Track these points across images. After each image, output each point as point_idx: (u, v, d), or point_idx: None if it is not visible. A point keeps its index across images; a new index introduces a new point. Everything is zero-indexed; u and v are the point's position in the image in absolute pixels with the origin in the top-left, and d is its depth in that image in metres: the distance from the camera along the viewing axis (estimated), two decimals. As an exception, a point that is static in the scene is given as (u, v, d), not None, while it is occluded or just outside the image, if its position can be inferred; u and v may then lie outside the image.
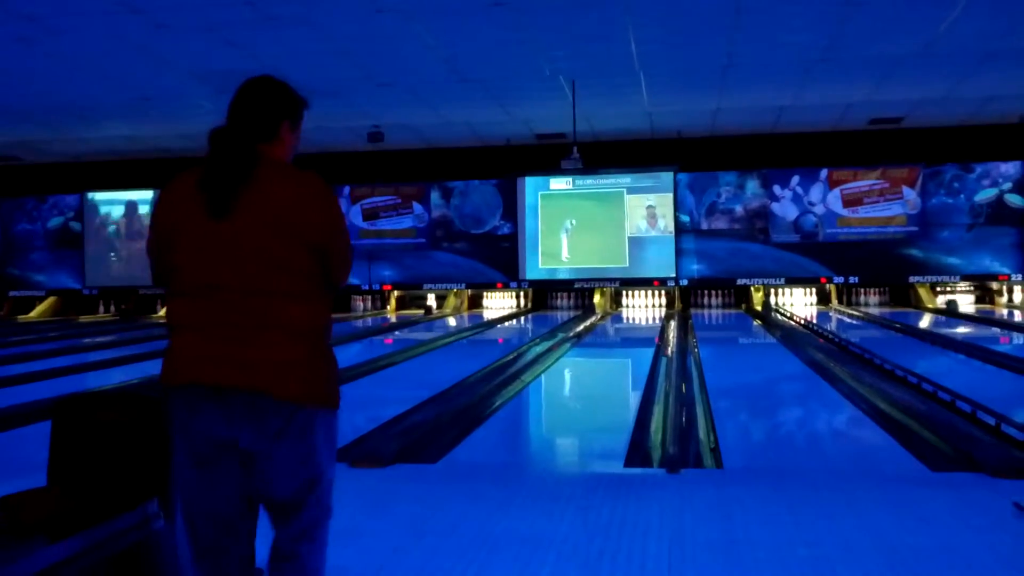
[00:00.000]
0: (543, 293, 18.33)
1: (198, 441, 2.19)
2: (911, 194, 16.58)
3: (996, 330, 12.93)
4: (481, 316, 16.87)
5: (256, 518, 2.32)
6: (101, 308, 19.92)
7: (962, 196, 16.49)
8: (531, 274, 17.69)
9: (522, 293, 18.31)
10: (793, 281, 17.20)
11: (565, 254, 17.60)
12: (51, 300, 19.74)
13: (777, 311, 16.05)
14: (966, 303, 16.86)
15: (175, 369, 2.22)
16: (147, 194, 19.22)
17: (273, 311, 2.17)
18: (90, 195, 19.43)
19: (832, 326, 13.58)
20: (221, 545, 2.25)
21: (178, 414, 2.22)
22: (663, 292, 17.81)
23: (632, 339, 13.74)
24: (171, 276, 2.25)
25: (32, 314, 19.44)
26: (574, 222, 17.57)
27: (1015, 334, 12.48)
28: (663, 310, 17.26)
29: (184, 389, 2.19)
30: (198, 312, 2.19)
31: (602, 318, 16.03)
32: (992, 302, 16.94)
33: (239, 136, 2.28)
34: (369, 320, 16.78)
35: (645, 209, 17.31)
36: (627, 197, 17.38)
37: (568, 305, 18.17)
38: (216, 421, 2.16)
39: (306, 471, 2.27)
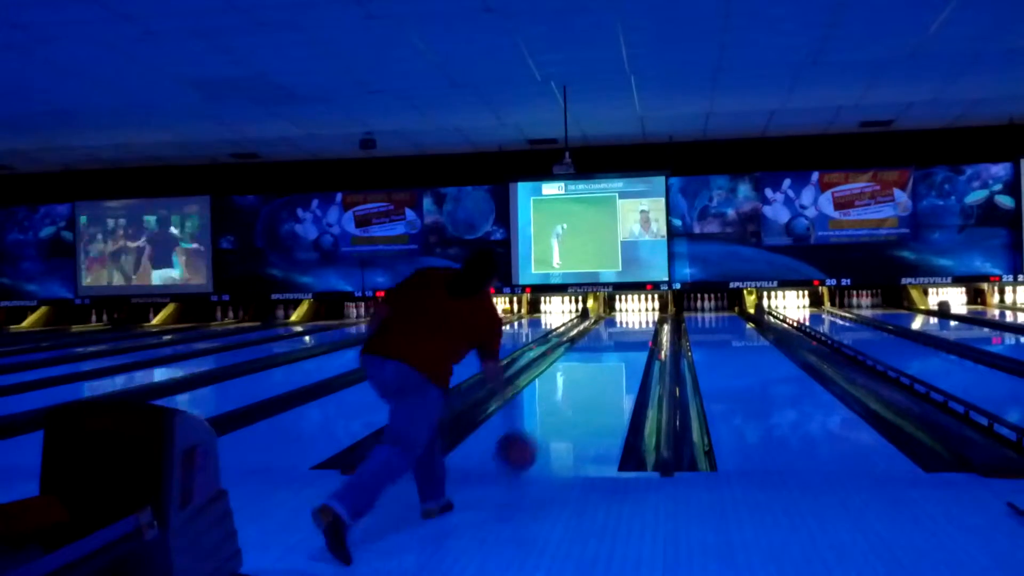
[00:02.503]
0: (537, 298, 18.35)
1: None
2: (902, 196, 16.64)
3: (988, 331, 12.97)
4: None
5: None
6: (93, 317, 19.87)
7: (953, 198, 16.56)
8: (525, 279, 17.69)
9: (523, 299, 18.31)
10: (786, 284, 17.24)
11: (556, 260, 17.62)
12: (43, 310, 19.68)
13: (770, 314, 16.09)
14: (958, 304, 16.92)
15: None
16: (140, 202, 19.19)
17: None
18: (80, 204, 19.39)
19: (825, 328, 13.61)
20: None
21: None
22: (656, 296, 17.84)
23: (626, 343, 13.75)
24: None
25: (24, 324, 19.37)
26: (565, 226, 17.60)
27: (1007, 334, 12.52)
28: (656, 314, 17.28)
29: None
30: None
31: (596, 322, 16.04)
32: (984, 303, 17.00)
33: (478, 278, 3.99)
34: (363, 327, 16.76)
35: (638, 213, 17.35)
36: (619, 201, 17.42)
37: (561, 309, 18.18)
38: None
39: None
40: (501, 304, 18.64)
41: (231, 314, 19.49)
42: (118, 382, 9.52)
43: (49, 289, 19.66)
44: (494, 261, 4.12)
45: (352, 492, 3.44)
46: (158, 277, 19.25)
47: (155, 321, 19.03)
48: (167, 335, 15.64)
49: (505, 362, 9.80)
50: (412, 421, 3.71)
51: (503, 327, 4.09)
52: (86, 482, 2.66)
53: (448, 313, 3.87)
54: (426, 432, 3.75)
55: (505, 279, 17.76)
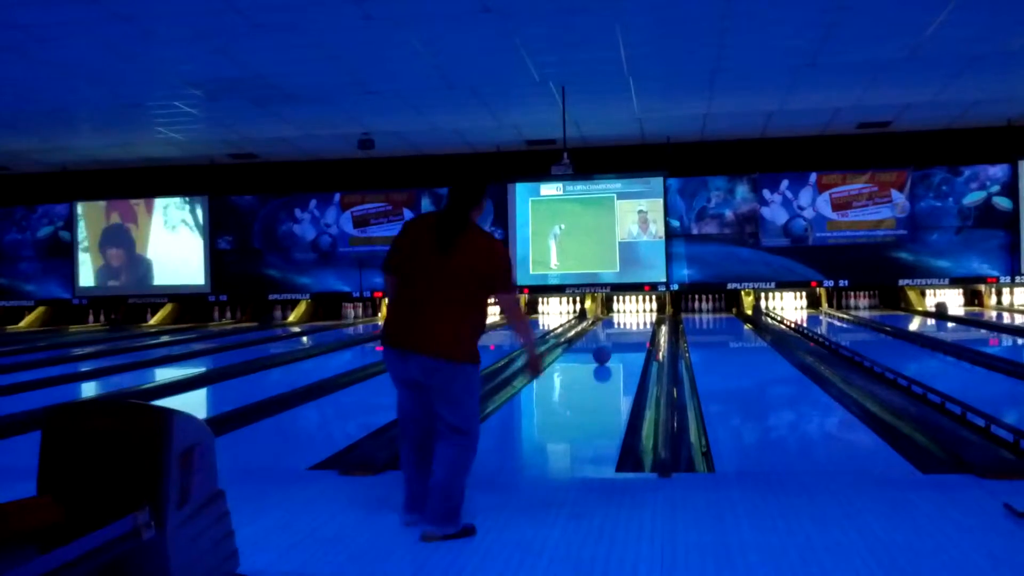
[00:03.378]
0: (535, 299, 18.34)
1: None
2: (900, 197, 16.65)
3: (985, 332, 12.99)
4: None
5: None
6: (91, 318, 19.85)
7: (951, 199, 16.57)
8: (522, 280, 17.69)
9: (521, 299, 18.24)
10: (783, 285, 17.25)
11: (554, 261, 17.61)
12: (40, 310, 19.66)
13: (768, 315, 16.10)
14: (955, 305, 16.94)
15: None
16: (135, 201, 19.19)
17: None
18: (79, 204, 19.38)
19: (822, 329, 13.61)
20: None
21: None
22: (654, 297, 17.84)
23: (623, 344, 13.74)
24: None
25: (21, 324, 19.35)
26: (563, 226, 17.60)
27: (1004, 336, 12.53)
28: (654, 315, 17.28)
29: None
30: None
31: (593, 323, 16.04)
32: (981, 304, 17.02)
33: (458, 205, 3.72)
34: (360, 327, 16.76)
35: (636, 214, 17.36)
36: (618, 202, 17.43)
37: (559, 310, 18.18)
38: None
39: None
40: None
41: (229, 314, 19.48)
42: (116, 382, 9.51)
43: (47, 289, 19.65)
44: (475, 183, 3.78)
45: (442, 505, 3.55)
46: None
47: (153, 321, 19.02)
48: (165, 335, 15.63)
49: (503, 362, 9.80)
50: (461, 407, 3.62)
51: (512, 271, 3.79)
52: (83, 482, 2.66)
53: (446, 271, 3.61)
54: (477, 408, 3.72)
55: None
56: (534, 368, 4.05)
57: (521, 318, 3.93)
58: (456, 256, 3.60)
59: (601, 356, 9.74)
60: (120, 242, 19.30)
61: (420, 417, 3.72)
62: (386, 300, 3.86)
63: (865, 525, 3.63)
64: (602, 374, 9.39)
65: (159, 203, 19.13)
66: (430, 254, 3.61)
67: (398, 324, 3.66)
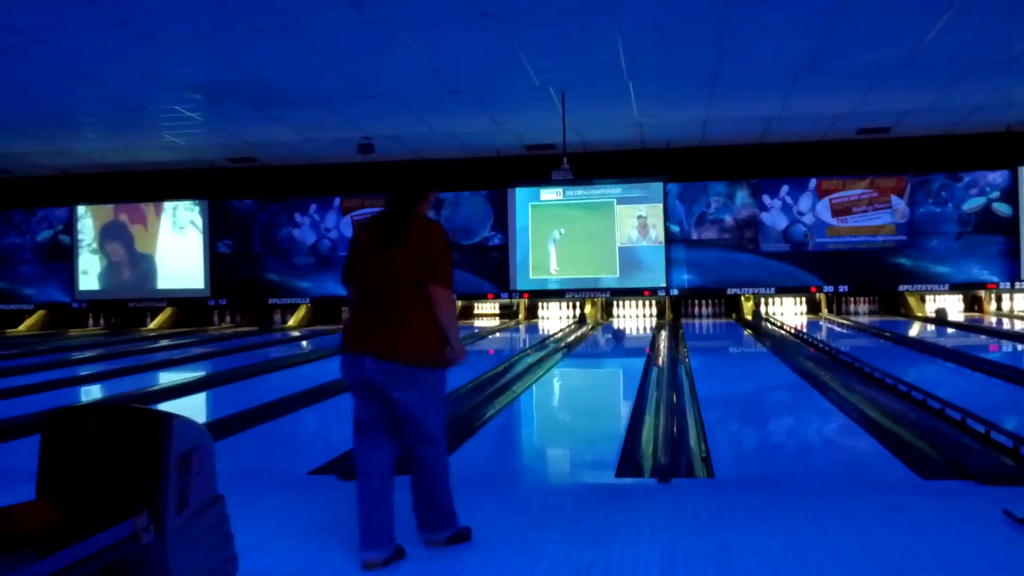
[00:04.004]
0: (535, 303, 18.36)
1: None
2: (899, 203, 16.66)
3: (985, 338, 12.98)
4: (473, 327, 16.85)
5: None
6: (91, 321, 19.85)
7: (950, 205, 16.58)
8: (522, 284, 17.70)
9: (520, 304, 18.30)
10: (783, 290, 17.25)
11: (554, 266, 17.61)
12: (40, 314, 19.65)
13: (767, 320, 16.09)
14: (955, 311, 16.94)
15: None
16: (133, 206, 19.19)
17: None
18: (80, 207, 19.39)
19: (822, 335, 13.61)
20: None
21: None
22: (654, 302, 17.84)
23: (623, 349, 13.75)
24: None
25: (21, 328, 19.35)
26: (562, 231, 17.61)
27: (1004, 342, 12.54)
28: (654, 320, 17.28)
29: None
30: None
31: (593, 328, 16.04)
32: (981, 310, 17.02)
33: (402, 199, 3.58)
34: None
35: (636, 219, 17.36)
36: (617, 207, 17.43)
37: (559, 315, 18.19)
38: None
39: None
40: (496, 307, 18.67)
41: (228, 319, 19.48)
42: (115, 386, 9.51)
43: (46, 293, 19.64)
44: (418, 181, 3.67)
45: (433, 512, 3.51)
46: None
47: (152, 325, 19.01)
48: (164, 339, 15.62)
49: (503, 367, 9.79)
50: (426, 416, 3.43)
51: (450, 264, 3.50)
52: (83, 486, 2.66)
53: (394, 267, 3.42)
54: (443, 416, 3.55)
55: (503, 284, 17.77)
56: (456, 357, 3.56)
57: (451, 319, 3.50)
58: (402, 249, 3.43)
59: (617, 335, 9.82)
60: (121, 238, 19.25)
61: (378, 428, 3.49)
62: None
63: (865, 531, 3.63)
64: (602, 379, 9.40)
65: (166, 206, 19.12)
66: (378, 252, 3.46)
67: (354, 328, 3.49)
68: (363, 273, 3.50)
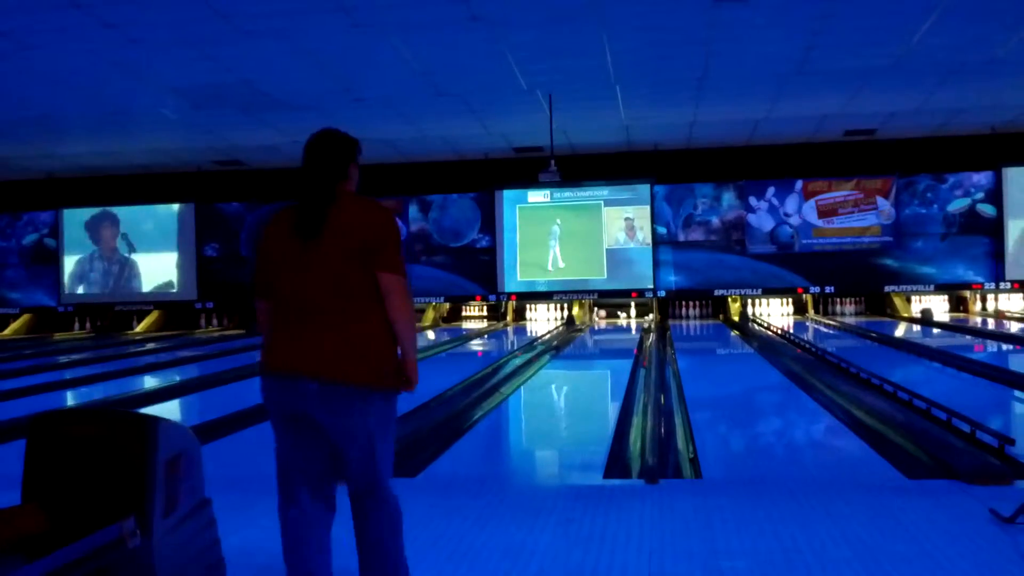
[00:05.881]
0: (523, 305, 18.37)
1: None
2: (885, 204, 16.75)
3: (970, 338, 13.06)
4: (461, 329, 16.84)
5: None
6: (76, 325, 19.74)
7: (935, 206, 16.68)
8: (510, 286, 17.70)
9: (508, 306, 18.30)
10: (770, 291, 17.31)
11: (560, 263, 17.57)
12: (25, 317, 19.53)
13: (754, 321, 16.14)
14: (941, 312, 17.03)
15: None
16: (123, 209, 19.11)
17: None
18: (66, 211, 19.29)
19: (809, 336, 13.66)
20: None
21: None
22: (641, 303, 17.87)
23: (611, 351, 13.77)
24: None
25: (6, 332, 19.23)
26: (559, 222, 17.60)
27: (989, 342, 12.61)
28: (641, 321, 17.30)
29: None
30: None
31: (580, 330, 16.06)
32: (966, 310, 17.12)
33: (321, 178, 2.87)
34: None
35: (623, 221, 17.39)
36: (605, 209, 17.47)
37: (547, 317, 18.20)
38: None
39: None
40: (484, 309, 18.67)
41: (215, 321, 19.40)
42: (101, 390, 9.46)
43: (32, 297, 19.52)
44: (334, 150, 3.01)
45: None
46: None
47: (139, 329, 18.92)
48: (151, 343, 15.56)
49: (490, 369, 9.79)
50: (370, 451, 2.75)
51: (399, 244, 2.91)
52: (69, 490, 2.65)
53: (317, 262, 2.73)
54: (391, 453, 2.85)
55: (491, 286, 17.77)
56: (408, 381, 2.83)
57: (408, 316, 2.81)
58: (327, 238, 2.73)
59: None
60: (106, 241, 19.15)
61: (311, 480, 2.84)
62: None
63: (851, 531, 3.65)
64: (589, 381, 9.40)
65: (152, 209, 19.04)
66: (297, 249, 2.77)
67: (276, 346, 2.81)
68: (281, 280, 2.80)
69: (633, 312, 18.01)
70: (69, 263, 19.29)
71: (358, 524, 2.83)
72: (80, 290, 19.29)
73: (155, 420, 2.68)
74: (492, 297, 17.84)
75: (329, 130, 3.08)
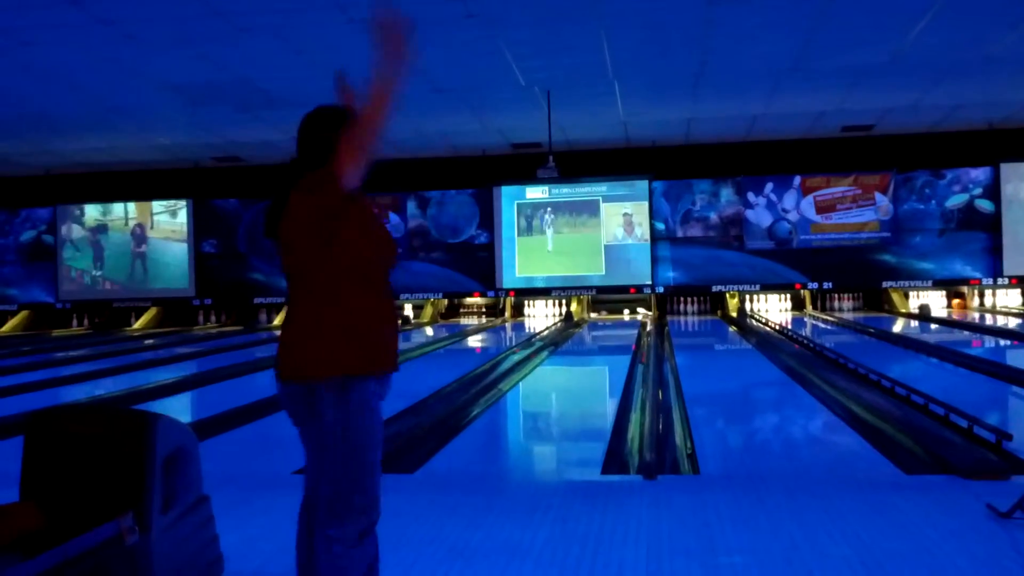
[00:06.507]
0: (521, 301, 18.37)
1: None
2: (883, 200, 16.75)
3: (968, 334, 13.07)
4: (459, 325, 16.84)
5: None
6: (74, 322, 19.73)
7: (933, 202, 16.69)
8: (508, 283, 17.70)
9: (507, 302, 18.30)
10: (768, 287, 17.32)
11: (549, 245, 17.59)
12: (23, 314, 19.52)
13: (752, 317, 16.15)
14: (938, 307, 17.05)
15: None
16: (120, 206, 19.09)
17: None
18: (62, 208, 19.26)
19: (807, 331, 13.67)
20: None
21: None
22: (640, 299, 17.87)
23: (609, 347, 13.77)
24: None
25: (4, 329, 19.21)
26: (549, 209, 17.59)
27: (987, 337, 12.63)
28: (639, 317, 17.30)
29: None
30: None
31: (578, 326, 16.06)
32: (964, 306, 17.13)
33: (297, 167, 2.67)
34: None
35: (621, 217, 17.39)
36: (603, 205, 17.46)
37: (545, 313, 18.20)
38: None
39: None
40: (483, 304, 18.67)
41: (213, 318, 19.40)
42: (99, 387, 9.46)
43: (30, 293, 19.51)
44: (314, 131, 2.72)
45: None
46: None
47: (137, 325, 18.91)
48: (149, 339, 15.55)
49: (489, 366, 9.79)
50: (337, 461, 2.39)
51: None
52: (67, 487, 2.65)
53: (284, 251, 2.55)
54: (369, 467, 2.43)
55: (489, 282, 17.77)
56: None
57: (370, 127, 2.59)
58: (284, 221, 2.54)
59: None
60: (104, 238, 19.14)
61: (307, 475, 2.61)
62: None
63: (849, 527, 3.65)
64: (587, 377, 9.41)
65: (150, 205, 19.02)
66: (273, 239, 2.62)
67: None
68: (287, 277, 2.61)
69: (640, 309, 17.97)
70: (66, 261, 19.26)
71: (314, 547, 2.43)
72: (77, 286, 19.27)
73: (153, 417, 2.68)
74: (491, 293, 17.84)
75: (309, 112, 2.79)
